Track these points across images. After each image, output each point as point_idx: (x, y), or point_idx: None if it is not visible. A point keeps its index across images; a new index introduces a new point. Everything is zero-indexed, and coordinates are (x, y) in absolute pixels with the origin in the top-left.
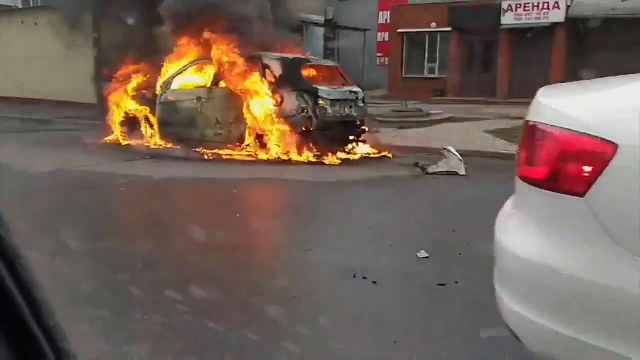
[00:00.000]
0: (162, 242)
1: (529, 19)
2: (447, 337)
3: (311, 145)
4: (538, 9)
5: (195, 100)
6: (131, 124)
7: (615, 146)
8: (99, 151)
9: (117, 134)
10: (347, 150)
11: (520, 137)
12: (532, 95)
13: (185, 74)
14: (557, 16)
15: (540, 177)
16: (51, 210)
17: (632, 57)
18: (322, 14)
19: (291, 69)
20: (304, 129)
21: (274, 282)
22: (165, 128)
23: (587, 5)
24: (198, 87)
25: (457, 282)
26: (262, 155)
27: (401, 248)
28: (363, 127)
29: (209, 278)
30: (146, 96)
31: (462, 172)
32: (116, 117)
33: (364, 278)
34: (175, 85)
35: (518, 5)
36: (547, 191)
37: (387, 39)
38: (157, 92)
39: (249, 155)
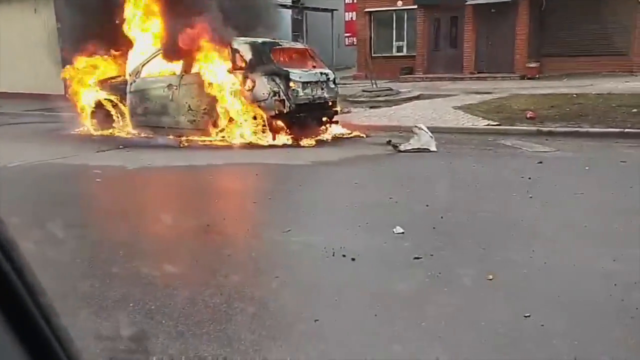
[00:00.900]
0: (140, 229)
1: None
2: (423, 306)
3: (284, 128)
4: None
5: (166, 88)
6: (102, 113)
7: None
8: (71, 143)
9: (87, 124)
10: (320, 131)
11: (486, 112)
12: (497, 70)
13: (154, 61)
14: None
15: None
16: (26, 203)
17: (593, 27)
18: None
19: (261, 52)
20: (276, 112)
21: (256, 264)
22: (137, 117)
23: None
24: (168, 74)
25: (432, 255)
26: (236, 140)
27: (378, 225)
28: (335, 108)
29: (188, 262)
30: (116, 85)
31: (433, 148)
32: (84, 108)
33: (343, 256)
34: (145, 73)
35: None
36: None
37: (354, 19)
38: (126, 81)
39: (223, 141)
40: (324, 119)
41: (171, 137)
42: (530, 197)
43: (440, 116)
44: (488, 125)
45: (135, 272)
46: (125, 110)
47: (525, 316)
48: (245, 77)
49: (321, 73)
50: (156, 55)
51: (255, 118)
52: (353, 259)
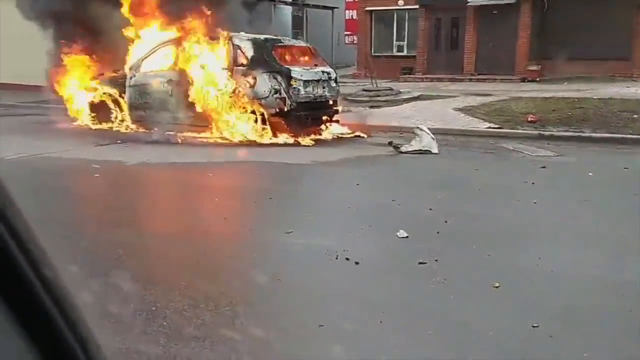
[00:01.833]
0: (138, 228)
1: None
2: (429, 314)
3: (285, 126)
4: None
5: (166, 83)
6: (101, 107)
7: None
8: (69, 136)
9: (80, 118)
10: (320, 130)
11: (487, 114)
12: (498, 72)
13: (154, 56)
14: None
15: None
16: (25, 198)
17: (595, 31)
18: None
19: (263, 49)
20: (277, 110)
21: (258, 266)
22: (136, 111)
23: None
24: (168, 69)
25: (436, 260)
26: (236, 137)
27: (381, 228)
28: (336, 107)
29: (190, 263)
30: (115, 79)
31: (435, 150)
32: (73, 102)
33: (347, 259)
34: (144, 67)
35: None
36: None
37: (355, 17)
38: (126, 75)
39: (222, 138)
40: (325, 117)
41: (170, 132)
42: (535, 202)
43: (441, 117)
44: (489, 127)
45: (134, 273)
46: (124, 104)
47: (534, 326)
48: (246, 74)
49: (323, 71)
50: (156, 50)
51: (255, 115)
52: (357, 263)
